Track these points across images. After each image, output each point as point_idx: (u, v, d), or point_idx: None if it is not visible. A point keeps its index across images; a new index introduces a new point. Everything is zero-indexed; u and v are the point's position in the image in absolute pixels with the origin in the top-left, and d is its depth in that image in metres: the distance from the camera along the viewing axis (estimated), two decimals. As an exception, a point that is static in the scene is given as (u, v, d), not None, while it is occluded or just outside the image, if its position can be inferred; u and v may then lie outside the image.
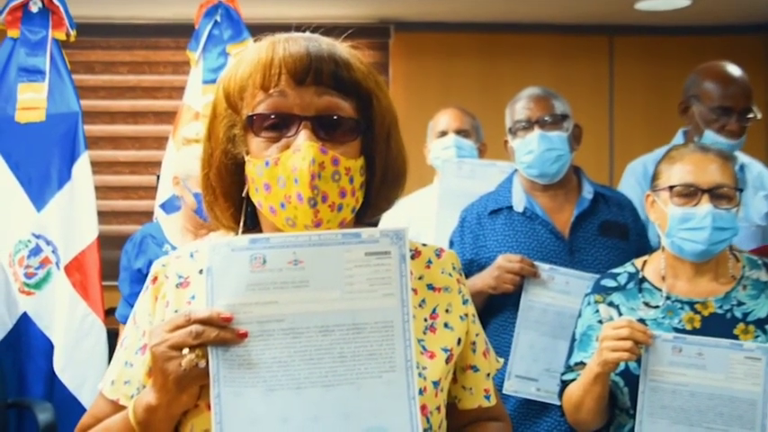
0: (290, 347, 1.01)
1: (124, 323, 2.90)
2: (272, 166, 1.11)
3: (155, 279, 1.22)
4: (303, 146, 1.09)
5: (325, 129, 1.13)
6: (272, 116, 1.13)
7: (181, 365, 1.02)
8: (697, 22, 4.81)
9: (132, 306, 3.02)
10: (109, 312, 3.28)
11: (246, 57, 1.17)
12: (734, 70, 2.68)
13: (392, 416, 1.02)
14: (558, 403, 2.02)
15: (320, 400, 1.01)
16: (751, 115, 2.62)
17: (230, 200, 1.21)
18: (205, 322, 1.01)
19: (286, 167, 1.10)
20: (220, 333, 1.01)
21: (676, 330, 1.84)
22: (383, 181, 1.21)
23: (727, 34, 4.91)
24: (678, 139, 2.85)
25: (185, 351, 1.02)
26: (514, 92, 2.58)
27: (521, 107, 2.48)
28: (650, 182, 2.00)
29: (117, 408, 1.18)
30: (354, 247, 1.04)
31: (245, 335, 1.01)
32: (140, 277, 2.90)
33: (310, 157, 1.08)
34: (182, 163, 2.97)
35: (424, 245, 1.29)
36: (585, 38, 4.95)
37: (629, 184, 2.83)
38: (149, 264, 2.80)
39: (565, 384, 1.94)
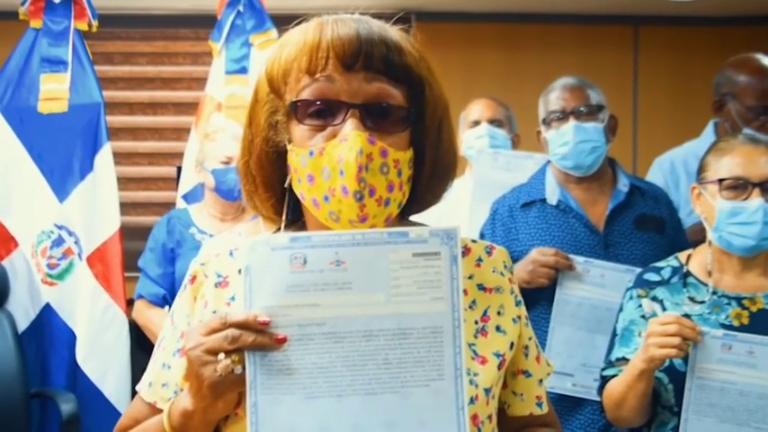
0: (332, 353, 0.96)
1: (150, 300, 2.93)
2: (317, 156, 1.05)
3: (193, 279, 1.17)
4: (350, 135, 1.03)
5: (374, 118, 1.07)
6: (318, 103, 1.07)
7: (216, 371, 0.96)
8: (723, 12, 4.74)
9: (162, 287, 3.05)
10: (131, 303, 3.27)
11: (292, 38, 1.11)
12: None
13: (439, 427, 0.97)
14: (594, 398, 1.98)
15: (362, 409, 0.96)
16: None
17: (271, 190, 1.15)
18: (241, 326, 0.96)
19: (331, 158, 1.04)
20: (257, 338, 0.95)
21: (723, 326, 1.80)
22: (432, 174, 1.14)
23: (754, 24, 4.83)
24: (709, 131, 2.80)
25: (221, 356, 0.96)
26: (538, 83, 2.54)
27: (555, 97, 2.43)
28: (696, 174, 1.95)
29: (154, 410, 1.14)
30: (401, 247, 0.98)
31: (283, 340, 0.96)
32: (171, 257, 2.92)
33: (358, 148, 1.03)
34: (200, 149, 3.06)
35: (474, 241, 1.23)
36: (610, 28, 4.89)
37: (656, 178, 2.79)
38: (178, 243, 2.82)
39: (605, 380, 1.90)
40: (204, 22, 4.11)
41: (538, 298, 2.32)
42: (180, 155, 3.82)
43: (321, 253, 0.97)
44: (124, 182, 4.60)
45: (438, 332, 0.98)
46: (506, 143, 2.99)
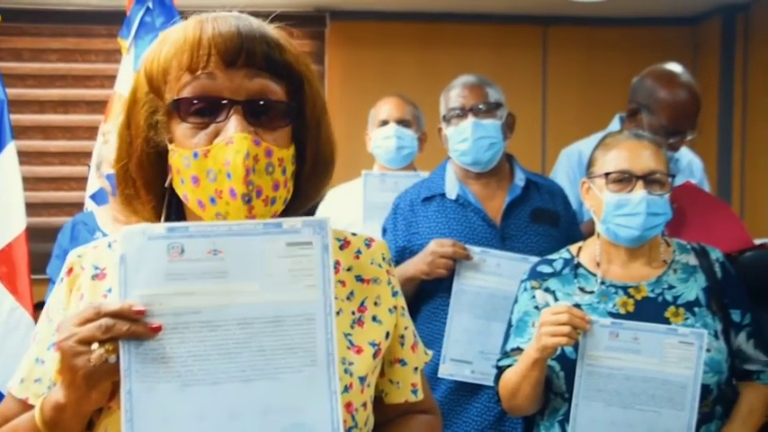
0: (207, 341, 0.97)
1: None
2: (201, 158, 1.05)
3: (70, 270, 1.15)
4: (236, 137, 1.03)
5: (257, 114, 1.07)
6: (200, 100, 1.06)
7: (90, 361, 0.95)
8: (628, 14, 4.90)
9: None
10: (38, 306, 3.19)
11: (171, 36, 1.10)
12: (690, 87, 2.59)
13: (313, 412, 0.99)
14: (492, 385, 2.03)
15: (238, 396, 0.97)
16: (694, 136, 2.60)
17: (152, 192, 1.13)
18: (116, 315, 0.95)
19: (217, 160, 1.04)
20: (132, 327, 0.95)
21: (611, 314, 1.87)
22: (313, 169, 1.16)
23: (657, 25, 5.01)
24: (614, 124, 2.86)
25: (95, 346, 0.95)
26: (452, 81, 2.58)
27: (455, 95, 2.48)
28: (585, 168, 2.02)
29: (26, 407, 1.11)
30: (275, 237, 1.00)
31: (158, 328, 0.95)
32: None
33: (245, 151, 1.03)
34: (97, 153, 3.02)
35: (354, 234, 1.25)
36: (520, 28, 4.99)
37: (563, 169, 2.84)
38: None
39: (501, 370, 1.95)
40: (117, 19, 4.03)
41: (437, 289, 2.37)
42: (92, 154, 3.75)
43: (199, 243, 0.98)
44: (34, 182, 4.50)
45: (311, 319, 1.00)
46: (413, 143, 3.02)
